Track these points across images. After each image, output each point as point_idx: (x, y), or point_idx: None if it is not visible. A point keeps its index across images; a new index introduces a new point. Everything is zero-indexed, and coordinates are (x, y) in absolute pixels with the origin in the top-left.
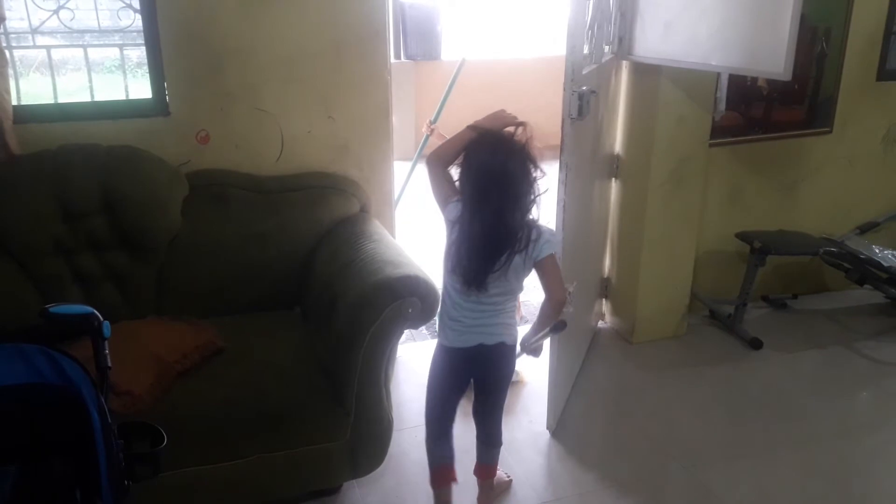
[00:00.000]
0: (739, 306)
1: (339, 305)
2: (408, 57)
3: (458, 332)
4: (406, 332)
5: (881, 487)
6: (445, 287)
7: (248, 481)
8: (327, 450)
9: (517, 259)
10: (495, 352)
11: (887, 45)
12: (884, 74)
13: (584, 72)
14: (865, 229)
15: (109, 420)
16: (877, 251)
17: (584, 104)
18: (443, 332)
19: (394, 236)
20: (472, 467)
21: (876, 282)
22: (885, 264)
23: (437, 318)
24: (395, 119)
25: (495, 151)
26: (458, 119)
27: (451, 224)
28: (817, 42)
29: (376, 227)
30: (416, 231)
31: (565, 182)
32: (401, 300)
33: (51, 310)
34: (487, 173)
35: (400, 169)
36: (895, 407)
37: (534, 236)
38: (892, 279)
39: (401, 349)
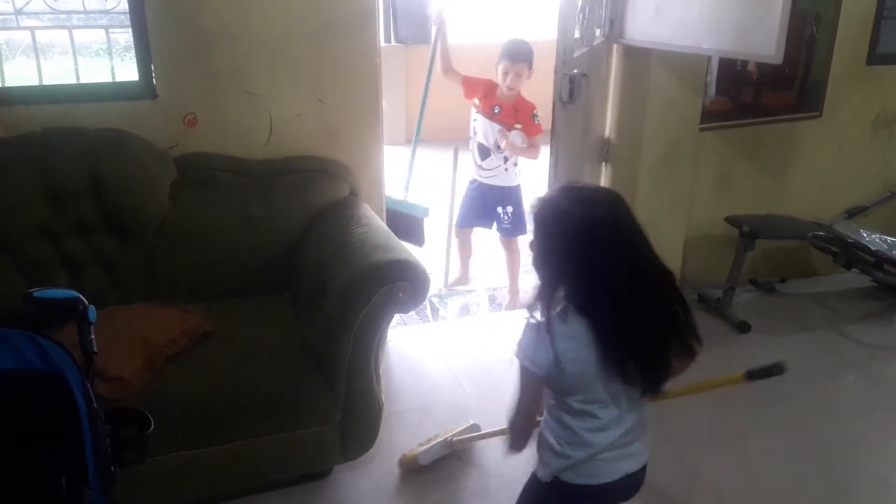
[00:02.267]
0: (728, 290)
1: (329, 290)
2: (398, 40)
3: (602, 461)
4: (396, 316)
5: (866, 469)
6: (565, 404)
7: (237, 465)
8: (317, 434)
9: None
10: (637, 480)
11: (878, 30)
12: (874, 59)
13: (574, 55)
14: (854, 213)
15: (96, 405)
16: (864, 235)
17: (574, 87)
18: (569, 467)
19: (384, 220)
20: None
21: (863, 266)
22: (873, 248)
23: (549, 449)
24: (385, 103)
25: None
26: (448, 107)
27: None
28: (807, 26)
29: (366, 211)
30: None
31: (556, 166)
32: (391, 284)
33: (35, 294)
34: (598, 226)
35: (390, 154)
36: (881, 390)
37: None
38: (880, 263)
39: (391, 333)
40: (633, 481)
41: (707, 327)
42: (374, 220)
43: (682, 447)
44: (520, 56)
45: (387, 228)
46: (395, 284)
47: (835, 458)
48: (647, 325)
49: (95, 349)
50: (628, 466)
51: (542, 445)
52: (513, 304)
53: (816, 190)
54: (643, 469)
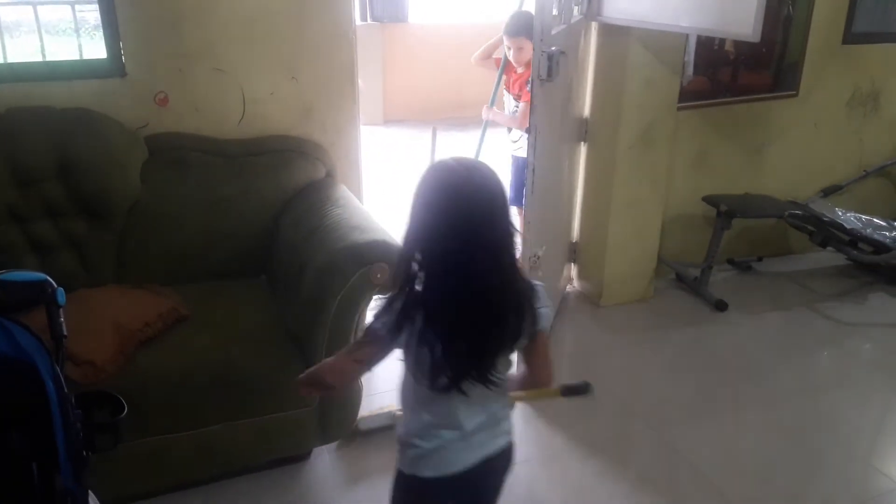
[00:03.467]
0: (705, 269)
1: (306, 272)
2: (374, 19)
3: (451, 450)
4: (375, 297)
5: (840, 444)
6: (411, 390)
7: (215, 449)
8: (296, 417)
9: (525, 324)
10: (502, 462)
11: (854, 8)
12: (850, 38)
13: (553, 32)
14: (829, 192)
15: (66, 390)
16: (839, 214)
17: (553, 65)
18: (418, 459)
19: (361, 201)
20: None
21: (838, 244)
22: (848, 226)
23: (400, 440)
24: (362, 82)
25: (458, 170)
26: (428, 88)
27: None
28: (784, 5)
29: (343, 192)
30: (383, 195)
31: (534, 145)
32: (368, 266)
33: (0, 277)
34: (455, 196)
35: (366, 133)
36: (855, 365)
37: (531, 294)
38: (854, 241)
39: (370, 315)
40: (496, 464)
41: (685, 306)
42: (351, 200)
43: (660, 425)
44: (515, 30)
45: (364, 209)
46: (373, 266)
47: (809, 432)
48: (467, 310)
49: (65, 333)
50: (487, 449)
51: (398, 439)
52: None
53: (793, 169)
54: (502, 456)
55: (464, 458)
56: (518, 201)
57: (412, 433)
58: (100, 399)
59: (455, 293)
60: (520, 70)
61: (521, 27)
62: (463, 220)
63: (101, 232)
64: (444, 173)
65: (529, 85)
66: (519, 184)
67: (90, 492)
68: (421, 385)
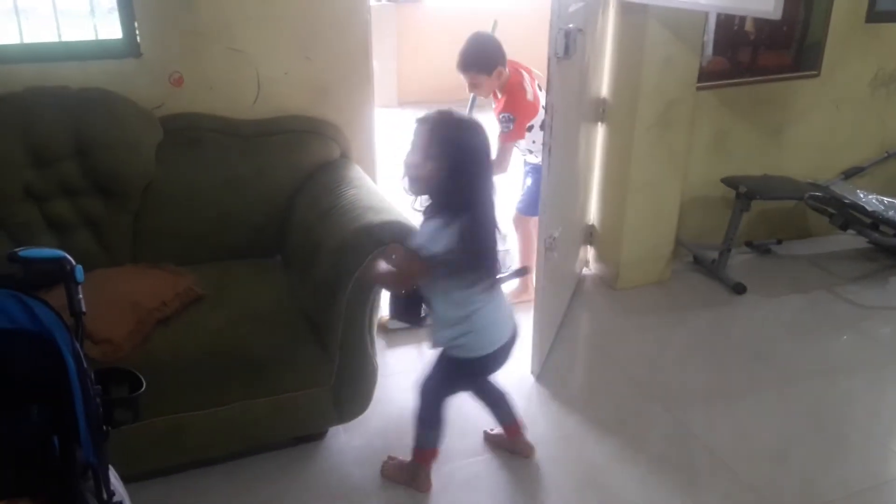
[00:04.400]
0: (724, 252)
1: (321, 252)
2: None
3: (483, 335)
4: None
5: (857, 427)
6: (468, 294)
7: (232, 428)
8: (312, 396)
9: None
10: (515, 341)
11: None
12: (873, 16)
13: (570, 9)
14: (850, 174)
15: (86, 365)
16: (861, 196)
17: (570, 42)
18: (463, 346)
19: (375, 182)
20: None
21: (859, 227)
22: (869, 209)
23: (464, 336)
24: (376, 64)
25: (467, 120)
26: (443, 70)
27: (446, 238)
28: None
29: (357, 172)
30: (397, 177)
31: (551, 124)
32: (383, 246)
33: (20, 253)
34: (473, 149)
35: (381, 115)
36: (874, 350)
37: None
38: (875, 224)
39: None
40: (508, 348)
41: (702, 289)
42: (365, 181)
43: (675, 408)
44: (464, 65)
45: (379, 190)
46: (388, 246)
47: (826, 416)
48: (492, 227)
49: (84, 309)
50: (505, 337)
51: (446, 341)
52: (521, 293)
53: (813, 150)
54: (514, 337)
55: (494, 340)
56: (530, 210)
57: (453, 334)
58: (118, 375)
59: (490, 218)
60: (499, 95)
61: (472, 61)
62: (485, 159)
63: (117, 211)
64: (462, 121)
65: (505, 123)
66: (534, 192)
67: (111, 467)
68: (462, 290)
